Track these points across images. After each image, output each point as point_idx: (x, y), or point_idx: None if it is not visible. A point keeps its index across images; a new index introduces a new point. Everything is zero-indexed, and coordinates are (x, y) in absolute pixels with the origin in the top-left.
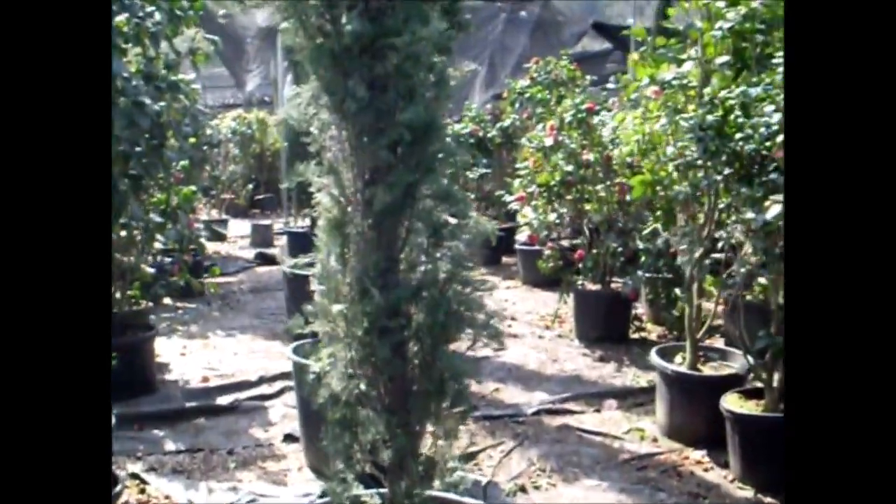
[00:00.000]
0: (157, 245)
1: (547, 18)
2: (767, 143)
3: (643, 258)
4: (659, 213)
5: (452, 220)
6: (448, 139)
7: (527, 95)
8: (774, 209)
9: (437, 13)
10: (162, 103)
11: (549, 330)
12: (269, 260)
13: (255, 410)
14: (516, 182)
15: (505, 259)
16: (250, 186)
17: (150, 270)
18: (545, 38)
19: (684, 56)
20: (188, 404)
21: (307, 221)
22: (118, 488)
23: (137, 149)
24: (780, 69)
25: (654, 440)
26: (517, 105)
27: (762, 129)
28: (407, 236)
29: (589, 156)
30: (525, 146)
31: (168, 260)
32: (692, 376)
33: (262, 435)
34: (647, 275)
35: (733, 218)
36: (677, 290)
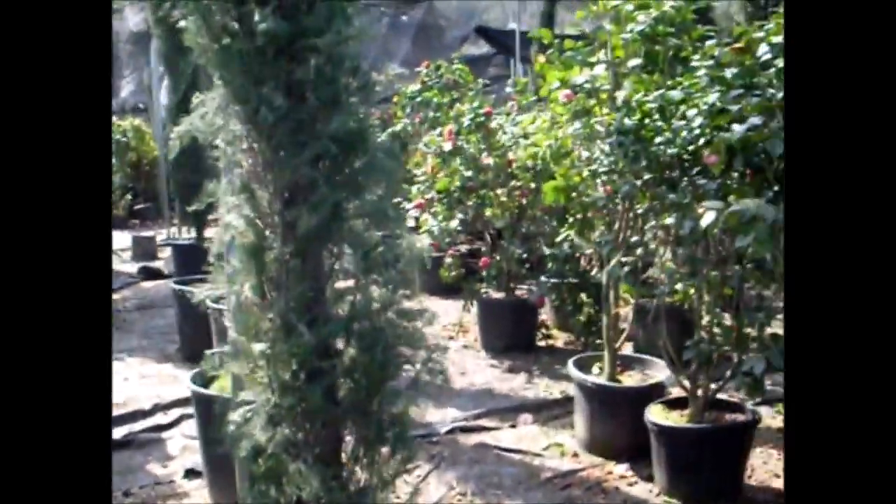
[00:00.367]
0: None
1: (429, 22)
2: (690, 147)
3: (549, 264)
4: (572, 219)
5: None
6: (378, 151)
7: (419, 100)
8: (709, 216)
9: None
10: None
11: (454, 340)
12: (155, 274)
13: (151, 443)
14: (414, 188)
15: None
16: (128, 196)
17: None
18: (428, 42)
19: (593, 59)
20: None
21: (193, 233)
22: None
23: None
24: (700, 72)
25: (575, 455)
26: (408, 109)
27: (684, 133)
28: (335, 262)
29: (489, 160)
30: (421, 151)
31: None
32: (613, 388)
33: (161, 471)
34: (552, 280)
35: (651, 223)
36: (583, 295)
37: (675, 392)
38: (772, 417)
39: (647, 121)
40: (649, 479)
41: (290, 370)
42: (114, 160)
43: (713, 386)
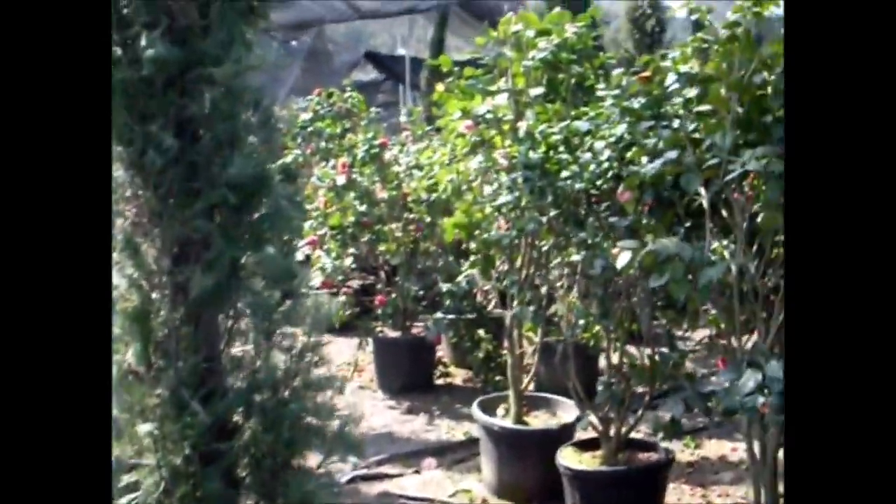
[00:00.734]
0: None
1: (319, 48)
2: (599, 182)
3: (447, 301)
4: (474, 257)
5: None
6: (281, 198)
7: (310, 129)
8: (624, 256)
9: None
10: None
11: (350, 381)
12: None
13: None
14: (306, 224)
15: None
16: None
17: None
18: (317, 68)
19: (494, 88)
20: None
21: None
22: None
23: None
24: (607, 101)
25: (485, 502)
26: (299, 140)
27: (592, 167)
28: (232, 325)
29: (383, 193)
30: (313, 185)
31: None
32: (521, 431)
33: None
34: (449, 316)
35: (557, 260)
36: (481, 332)
37: (587, 431)
38: (681, 451)
39: (551, 153)
40: None
41: (183, 454)
42: None
43: (625, 427)
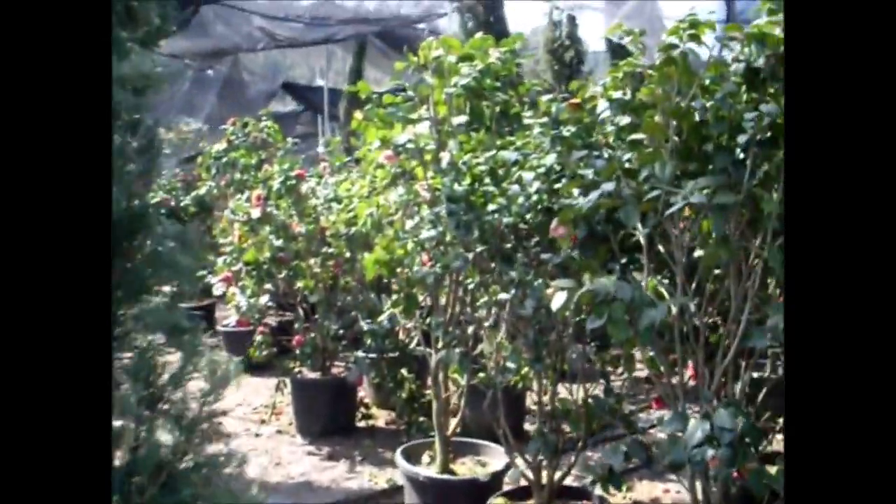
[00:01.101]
0: None
1: (235, 77)
2: (528, 216)
3: (368, 340)
4: (396, 296)
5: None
6: (165, 239)
7: (224, 160)
8: (559, 297)
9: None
10: None
11: (266, 425)
12: None
13: None
14: (220, 260)
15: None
16: None
17: None
18: (233, 98)
19: (415, 116)
20: None
21: None
22: None
23: None
24: (535, 130)
25: None
26: (214, 171)
27: (520, 200)
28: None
29: (301, 227)
30: (227, 218)
31: None
32: (448, 481)
33: None
34: (370, 356)
35: (484, 299)
36: (404, 371)
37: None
38: (612, 494)
39: (476, 185)
40: None
41: None
42: None
43: (558, 474)
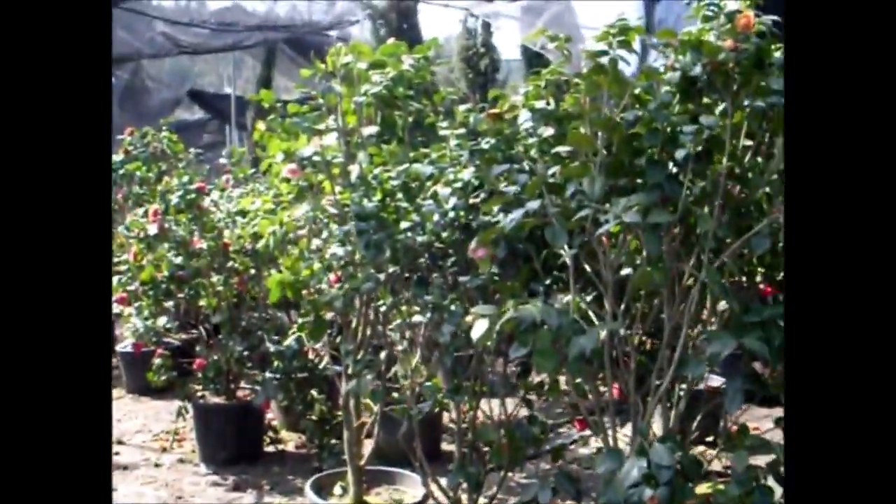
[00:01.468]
0: None
1: (137, 85)
2: (444, 234)
3: (275, 362)
4: (302, 320)
5: None
6: None
7: (121, 172)
8: (480, 326)
9: None
10: None
11: (168, 453)
12: None
13: None
14: (115, 279)
15: None
16: None
17: None
18: (136, 107)
19: (322, 127)
20: None
21: None
22: None
23: None
24: (452, 142)
25: None
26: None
27: (436, 217)
28: None
29: (202, 244)
30: (122, 235)
31: None
32: None
33: None
34: (278, 377)
35: (397, 321)
36: (314, 392)
37: None
38: None
39: (388, 201)
40: None
41: None
42: None
43: (482, 501)
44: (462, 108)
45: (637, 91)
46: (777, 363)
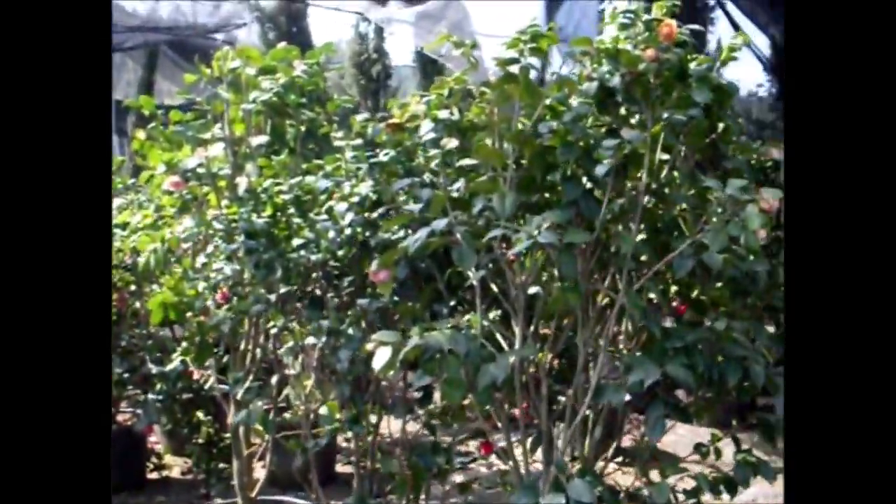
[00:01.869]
0: None
1: None
2: (340, 252)
3: (159, 384)
4: (187, 343)
5: None
6: None
7: None
8: (382, 354)
9: None
10: None
11: None
12: None
13: None
14: None
15: None
16: None
17: None
18: None
19: (208, 136)
20: None
21: None
22: None
23: None
24: (348, 154)
25: None
26: None
27: (331, 234)
28: None
29: None
30: None
31: None
32: None
33: None
34: (161, 399)
35: (289, 344)
36: (200, 413)
37: None
38: None
39: (279, 216)
40: None
41: None
42: None
43: None
44: (360, 117)
45: (550, 101)
46: (699, 389)
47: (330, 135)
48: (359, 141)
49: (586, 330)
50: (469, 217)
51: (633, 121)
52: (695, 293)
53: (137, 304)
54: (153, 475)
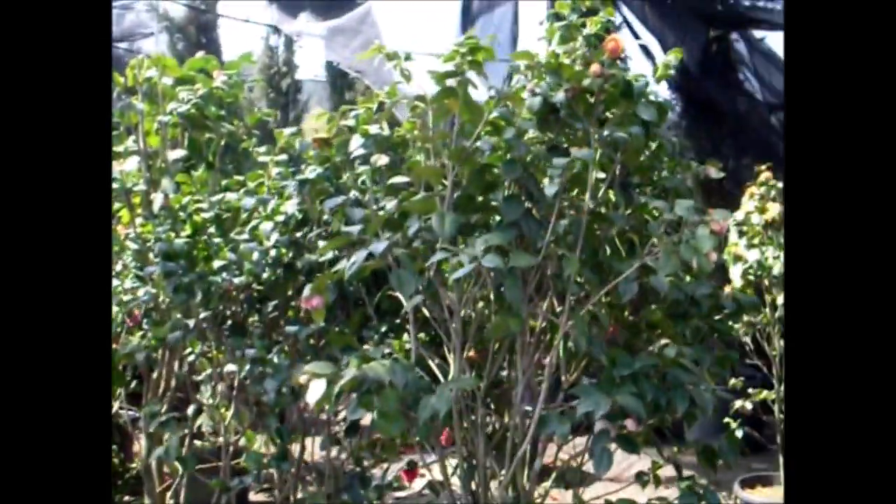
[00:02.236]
0: None
1: None
2: (265, 275)
3: None
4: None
5: None
6: None
7: None
8: (316, 388)
9: None
10: None
11: None
12: None
13: None
14: None
15: None
16: None
17: None
18: None
19: (121, 148)
20: None
21: None
22: None
23: None
24: (273, 170)
25: None
26: None
27: (255, 256)
28: None
29: None
30: None
31: None
32: None
33: None
34: None
35: (207, 371)
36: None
37: None
38: None
39: (198, 235)
40: None
41: None
42: None
43: None
44: (287, 131)
45: (491, 116)
46: (649, 417)
47: (251, 149)
48: (283, 156)
49: (525, 357)
50: (403, 238)
51: (572, 138)
52: (626, 314)
53: None
54: None
